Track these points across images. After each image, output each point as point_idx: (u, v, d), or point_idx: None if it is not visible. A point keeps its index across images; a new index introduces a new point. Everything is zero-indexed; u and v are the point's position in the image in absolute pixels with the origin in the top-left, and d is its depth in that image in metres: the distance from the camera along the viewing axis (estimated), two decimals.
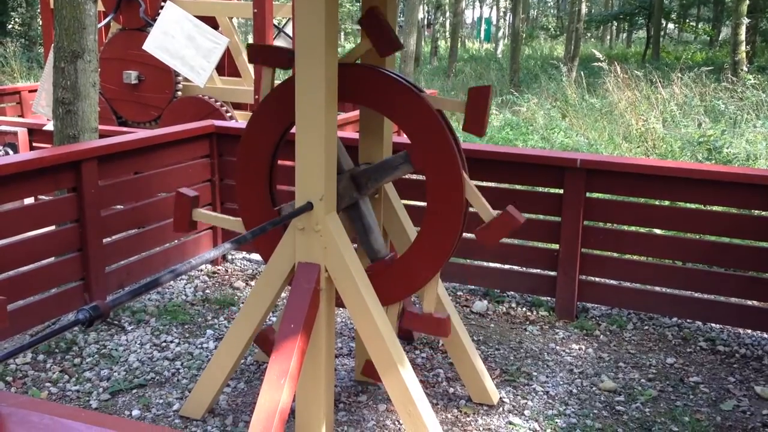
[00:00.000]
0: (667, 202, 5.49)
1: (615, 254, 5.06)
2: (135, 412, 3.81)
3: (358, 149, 3.83)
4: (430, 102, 3.30)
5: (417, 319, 3.52)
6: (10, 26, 24.00)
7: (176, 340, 4.60)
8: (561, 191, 4.89)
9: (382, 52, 3.41)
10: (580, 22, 22.59)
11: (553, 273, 5.06)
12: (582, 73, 16.20)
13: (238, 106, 9.16)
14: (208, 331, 4.72)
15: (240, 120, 8.37)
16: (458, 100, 3.31)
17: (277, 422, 2.98)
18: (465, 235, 3.62)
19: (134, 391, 4.02)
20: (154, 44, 7.85)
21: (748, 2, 19.50)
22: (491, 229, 3.32)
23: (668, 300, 4.90)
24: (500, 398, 4.00)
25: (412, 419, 3.29)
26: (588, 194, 4.86)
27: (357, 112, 4.97)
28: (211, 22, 8.65)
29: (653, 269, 4.91)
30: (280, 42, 9.53)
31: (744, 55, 18.88)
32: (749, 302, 4.89)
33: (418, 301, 4.87)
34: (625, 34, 42.08)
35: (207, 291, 5.37)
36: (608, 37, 42.31)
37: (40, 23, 12.62)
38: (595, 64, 14.04)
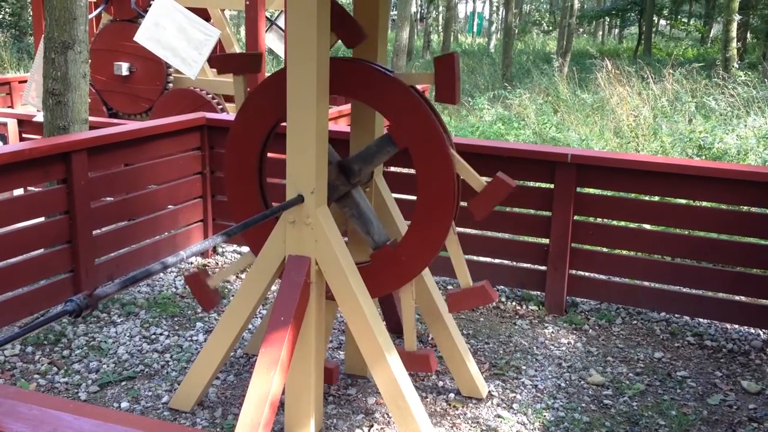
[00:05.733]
0: (656, 198, 5.52)
1: (604, 249, 5.08)
2: (124, 405, 3.81)
3: (350, 142, 3.83)
4: (401, 79, 3.30)
5: (462, 297, 3.52)
6: (0, 17, 23.83)
7: (166, 333, 4.59)
8: (552, 186, 4.91)
9: (348, 43, 3.41)
10: (572, 17, 22.61)
11: (543, 267, 5.08)
12: (574, 68, 16.23)
13: (229, 99, 9.13)
14: (197, 323, 4.72)
15: (231, 112, 8.34)
16: (427, 73, 3.34)
17: (267, 413, 2.98)
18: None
19: (123, 383, 4.02)
20: (146, 36, 7.82)
21: None
22: (484, 198, 3.33)
23: (657, 295, 4.93)
24: (489, 392, 4.02)
25: (401, 412, 3.30)
26: (578, 189, 4.88)
27: (349, 105, 4.97)
28: (203, 13, 8.63)
29: (642, 264, 4.94)
30: (271, 35, 9.50)
31: (735, 51, 18.96)
32: (736, 297, 4.93)
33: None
34: (617, 30, 42.15)
35: None
36: (600, 33, 42.41)
37: (31, 13, 12.54)
38: (590, 60, 14.06)
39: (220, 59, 3.77)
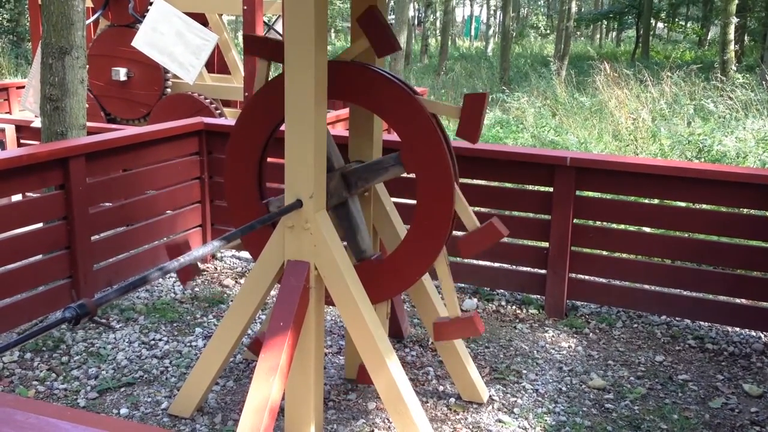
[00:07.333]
0: (656, 201, 5.51)
1: (604, 252, 5.06)
2: (123, 411, 3.79)
3: (348, 147, 3.82)
4: (424, 105, 3.29)
5: (448, 327, 3.52)
6: None
7: (165, 338, 4.57)
8: (551, 189, 4.90)
9: (380, 52, 3.40)
10: (570, 20, 22.64)
11: (542, 271, 5.06)
12: (572, 71, 16.24)
13: (227, 103, 9.13)
14: (197, 329, 4.70)
15: (229, 117, 8.34)
16: (454, 106, 3.31)
17: (266, 419, 2.97)
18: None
19: (122, 389, 4.00)
20: (143, 41, 7.81)
21: (736, 2, 19.59)
22: (474, 238, 3.36)
23: (657, 298, 4.91)
24: (490, 396, 4.01)
25: (401, 417, 3.29)
26: (578, 192, 4.87)
27: (347, 110, 4.96)
28: (201, 18, 8.62)
29: (642, 267, 4.92)
30: None
31: (733, 54, 18.97)
32: (737, 300, 4.92)
33: (409, 299, 4.87)
34: (614, 33, 42.20)
35: (196, 289, 5.35)
36: (598, 36, 42.43)
37: (28, 19, 12.54)
38: (588, 63, 14.06)
39: (250, 39, 3.61)
